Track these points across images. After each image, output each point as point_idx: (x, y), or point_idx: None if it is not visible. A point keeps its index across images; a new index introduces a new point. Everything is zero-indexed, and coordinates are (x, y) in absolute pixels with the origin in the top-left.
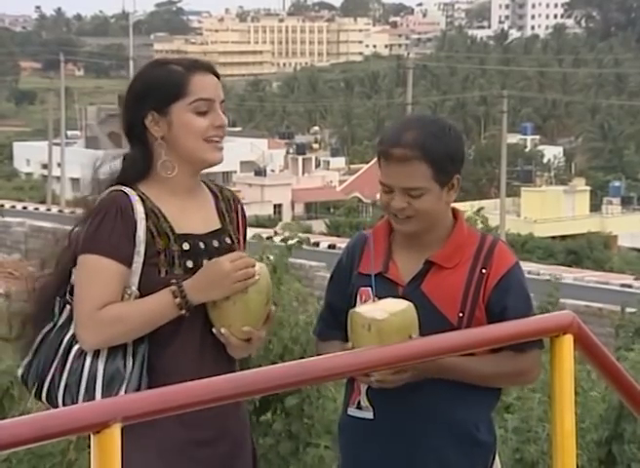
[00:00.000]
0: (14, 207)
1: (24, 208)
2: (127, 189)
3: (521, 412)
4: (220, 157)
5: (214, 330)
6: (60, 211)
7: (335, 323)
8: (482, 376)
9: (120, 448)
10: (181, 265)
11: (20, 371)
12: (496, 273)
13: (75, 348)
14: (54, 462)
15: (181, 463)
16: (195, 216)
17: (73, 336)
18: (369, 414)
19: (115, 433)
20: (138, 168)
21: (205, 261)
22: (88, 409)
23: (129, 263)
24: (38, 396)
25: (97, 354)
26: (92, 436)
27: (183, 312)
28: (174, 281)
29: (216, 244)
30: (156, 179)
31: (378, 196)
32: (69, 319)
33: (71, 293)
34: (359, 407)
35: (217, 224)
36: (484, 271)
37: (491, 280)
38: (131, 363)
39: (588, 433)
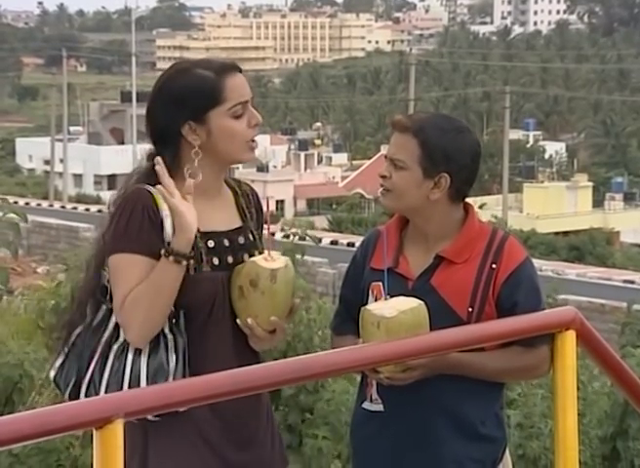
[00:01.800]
0: (16, 202)
1: (27, 204)
2: (150, 187)
3: (524, 408)
4: (253, 156)
5: (238, 321)
6: (63, 206)
7: (349, 317)
8: (492, 372)
9: (123, 444)
10: (209, 262)
11: (52, 373)
12: (506, 268)
13: (115, 347)
14: (59, 457)
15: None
16: (218, 215)
17: (112, 335)
18: (379, 407)
19: (117, 428)
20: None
21: (230, 258)
22: (90, 404)
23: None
24: (74, 396)
25: (138, 351)
26: (94, 431)
27: (181, 262)
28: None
29: (241, 240)
30: (180, 180)
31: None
32: (105, 319)
33: (103, 294)
34: (371, 400)
35: (238, 222)
36: (494, 266)
37: (501, 275)
38: (174, 357)
39: (592, 429)
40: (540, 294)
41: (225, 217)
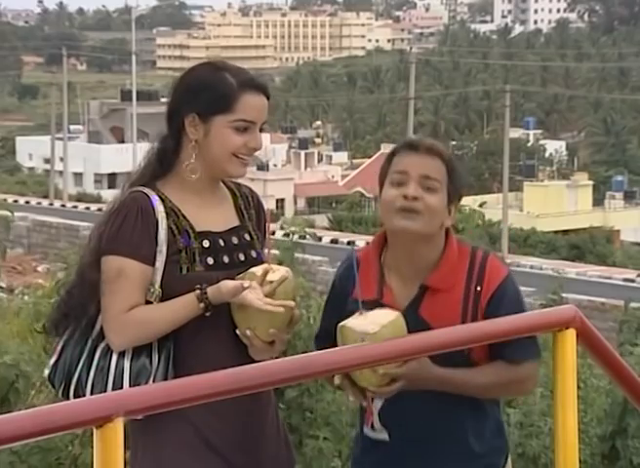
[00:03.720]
0: (16, 201)
1: (27, 202)
2: (146, 190)
3: (523, 407)
4: (243, 172)
5: (237, 331)
6: (63, 205)
7: (330, 344)
8: (474, 387)
9: (123, 442)
10: (202, 262)
11: (46, 372)
12: (488, 288)
13: (101, 346)
14: (60, 455)
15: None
16: (214, 214)
17: (99, 335)
18: (384, 436)
19: (117, 427)
20: (166, 158)
21: (226, 258)
22: (90, 403)
23: (151, 262)
24: (66, 394)
25: (122, 352)
26: (94, 430)
27: (206, 313)
28: (198, 286)
29: (235, 241)
30: (177, 178)
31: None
32: (93, 318)
33: (92, 294)
34: (373, 428)
35: (235, 221)
36: (479, 289)
37: (484, 295)
38: (157, 358)
39: (592, 428)
40: (523, 307)
41: (222, 218)
